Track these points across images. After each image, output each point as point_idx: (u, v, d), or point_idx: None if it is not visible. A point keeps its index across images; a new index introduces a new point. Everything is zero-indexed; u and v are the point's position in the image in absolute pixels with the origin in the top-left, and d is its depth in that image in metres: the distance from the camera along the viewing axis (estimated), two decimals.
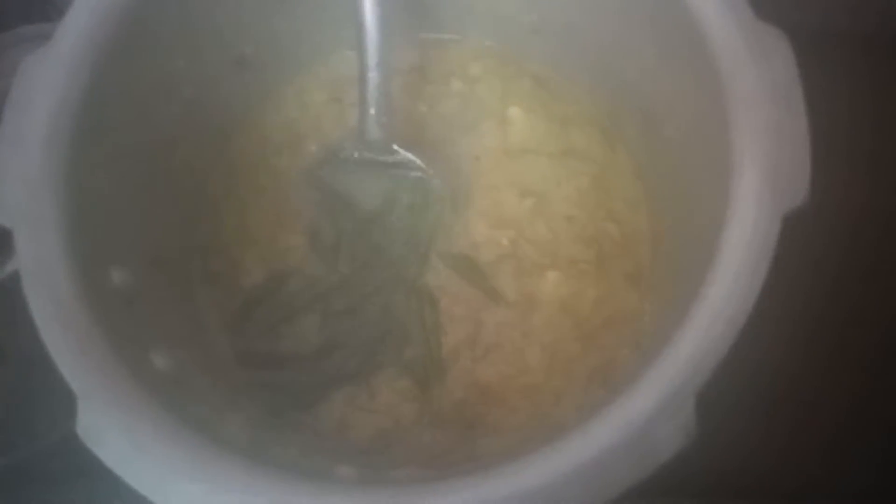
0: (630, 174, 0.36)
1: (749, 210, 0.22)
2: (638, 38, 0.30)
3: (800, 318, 0.35)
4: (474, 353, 0.34)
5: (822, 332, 0.37)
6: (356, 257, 0.36)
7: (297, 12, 0.36)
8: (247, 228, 0.36)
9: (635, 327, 0.32)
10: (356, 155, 0.36)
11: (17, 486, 0.26)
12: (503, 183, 0.37)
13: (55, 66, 0.26)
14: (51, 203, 0.24)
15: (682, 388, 0.20)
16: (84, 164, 0.27)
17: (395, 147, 0.35)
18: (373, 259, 0.35)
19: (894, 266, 0.39)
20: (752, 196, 0.22)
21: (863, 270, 0.38)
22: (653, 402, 0.20)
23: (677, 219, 0.31)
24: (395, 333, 0.34)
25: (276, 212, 0.37)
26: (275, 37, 0.36)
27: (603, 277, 0.34)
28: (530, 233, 0.35)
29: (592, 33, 0.33)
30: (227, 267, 0.35)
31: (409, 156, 0.35)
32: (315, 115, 0.39)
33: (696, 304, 0.21)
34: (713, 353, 0.20)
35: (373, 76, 0.33)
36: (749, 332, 0.21)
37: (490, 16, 0.37)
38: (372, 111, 0.33)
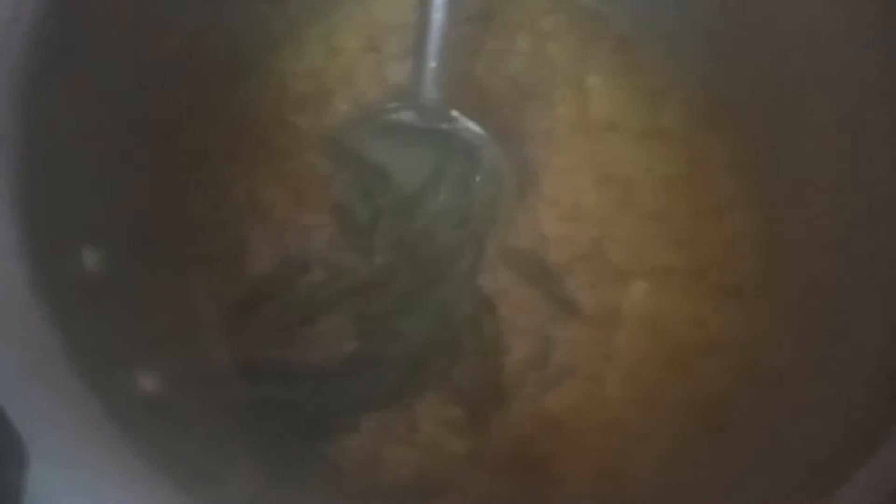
0: (738, 164, 0.29)
1: None
2: None
3: None
4: (542, 377, 0.27)
5: None
6: (395, 244, 0.28)
7: None
8: (256, 201, 0.29)
9: (750, 358, 0.26)
10: (400, 118, 0.29)
11: None
12: (580, 165, 0.30)
13: None
14: (10, 149, 0.17)
15: None
16: (51, 101, 0.19)
17: (454, 113, 0.28)
18: (416, 248, 0.28)
19: None
20: None
21: None
22: None
23: (816, 222, 0.25)
24: (444, 346, 0.27)
25: (295, 182, 0.29)
26: None
27: (701, 291, 0.28)
28: (613, 230, 0.29)
29: None
30: (229, 248, 0.28)
31: (471, 124, 0.28)
32: (346, 65, 0.31)
33: None
34: None
35: (438, 18, 0.25)
36: None
37: None
38: (433, 64, 0.26)
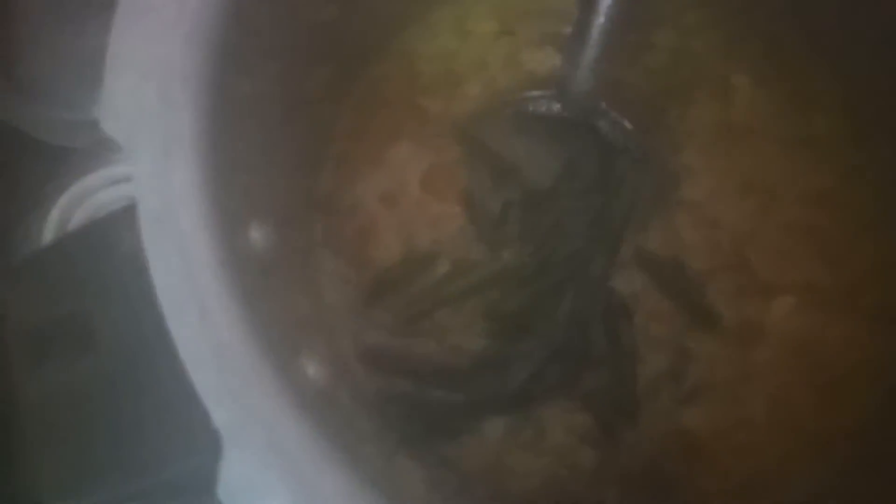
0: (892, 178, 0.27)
1: None
2: None
3: None
4: (678, 392, 0.25)
5: None
6: (525, 240, 0.27)
7: None
8: (383, 185, 0.28)
9: None
10: (539, 107, 0.27)
11: None
12: (722, 170, 0.28)
13: None
14: (192, 116, 0.16)
15: None
16: (228, 71, 0.18)
17: (604, 106, 0.26)
18: (547, 245, 0.27)
19: None
20: None
21: None
22: None
23: None
24: (574, 352, 0.26)
25: (423, 168, 0.28)
26: None
27: (853, 312, 0.26)
28: (757, 241, 0.27)
29: None
30: (356, 232, 0.27)
31: (615, 119, 0.27)
32: (479, 49, 0.30)
33: None
34: None
35: (605, 2, 0.24)
36: None
37: None
38: (591, 53, 0.25)
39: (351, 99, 0.28)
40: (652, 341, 0.26)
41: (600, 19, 0.24)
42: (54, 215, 0.29)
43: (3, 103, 0.31)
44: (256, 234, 0.18)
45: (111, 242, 0.17)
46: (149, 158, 0.15)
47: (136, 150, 0.15)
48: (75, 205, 0.30)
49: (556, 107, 0.27)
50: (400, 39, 0.29)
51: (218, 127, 0.17)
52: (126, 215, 0.16)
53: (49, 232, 0.29)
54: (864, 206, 0.27)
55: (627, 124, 0.27)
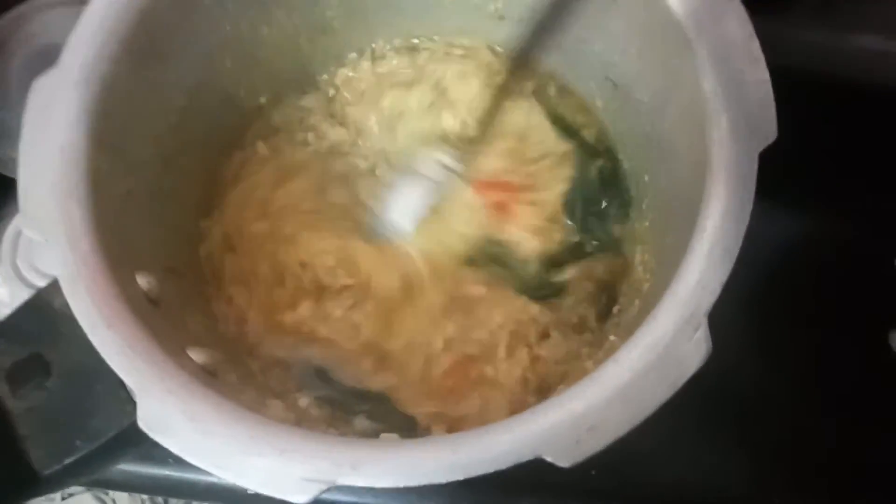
0: None
1: (730, 149, 0.24)
2: (604, 13, 0.32)
3: None
4: None
5: None
6: None
7: None
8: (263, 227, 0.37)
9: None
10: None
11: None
12: None
13: (65, 84, 0.27)
14: (80, 212, 0.25)
15: (697, 308, 0.23)
16: (102, 173, 0.27)
17: None
18: None
19: None
20: (730, 136, 0.25)
21: None
22: (674, 324, 0.23)
23: (657, 176, 0.34)
24: None
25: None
26: None
27: None
28: None
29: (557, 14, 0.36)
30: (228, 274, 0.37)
31: None
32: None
33: (695, 237, 0.24)
34: (717, 276, 0.23)
35: None
36: None
37: (457, 7, 0.39)
38: None
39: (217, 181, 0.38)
40: None
41: None
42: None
43: None
44: (142, 281, 0.28)
45: (49, 302, 0.26)
46: (61, 246, 0.25)
47: (53, 242, 0.25)
48: None
49: None
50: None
51: (106, 214, 0.27)
52: (55, 285, 0.25)
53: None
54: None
55: None
